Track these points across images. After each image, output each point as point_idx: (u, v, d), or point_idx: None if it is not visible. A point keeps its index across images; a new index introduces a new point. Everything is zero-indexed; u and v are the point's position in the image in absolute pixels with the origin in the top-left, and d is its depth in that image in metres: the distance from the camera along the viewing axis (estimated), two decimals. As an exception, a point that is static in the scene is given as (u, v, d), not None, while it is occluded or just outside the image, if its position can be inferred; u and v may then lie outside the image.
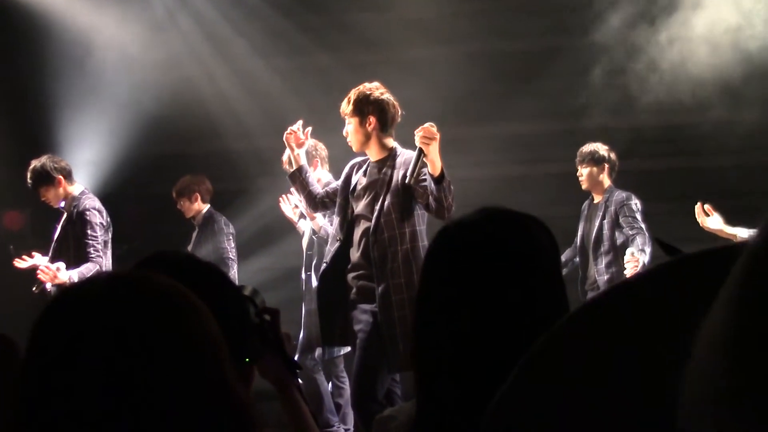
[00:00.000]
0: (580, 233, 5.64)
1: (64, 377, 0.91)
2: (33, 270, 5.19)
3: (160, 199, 6.75)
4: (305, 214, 5.31)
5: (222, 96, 7.30)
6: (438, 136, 3.76)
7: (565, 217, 5.58)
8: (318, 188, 4.42)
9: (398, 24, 7.01)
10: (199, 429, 0.93)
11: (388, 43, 6.99)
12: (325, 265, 4.19)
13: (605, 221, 5.46)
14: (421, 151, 3.77)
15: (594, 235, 5.49)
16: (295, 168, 4.40)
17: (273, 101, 7.15)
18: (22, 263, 5.21)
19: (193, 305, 0.98)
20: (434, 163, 3.77)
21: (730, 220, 4.79)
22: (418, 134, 3.77)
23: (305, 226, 5.49)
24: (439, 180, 3.78)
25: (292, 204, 5.47)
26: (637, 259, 5.06)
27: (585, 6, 6.69)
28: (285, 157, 4.43)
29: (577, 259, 5.67)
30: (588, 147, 5.58)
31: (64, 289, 0.99)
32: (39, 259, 5.18)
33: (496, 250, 1.30)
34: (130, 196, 7.18)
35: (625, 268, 5.12)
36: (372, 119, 4.07)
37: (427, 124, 3.81)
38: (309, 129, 4.45)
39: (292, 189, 4.74)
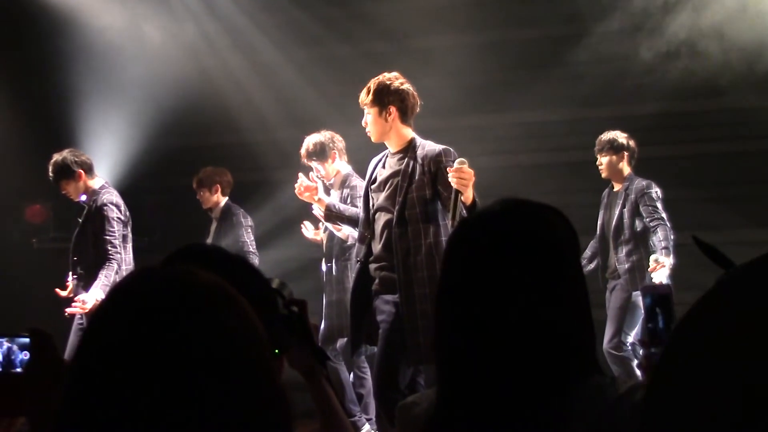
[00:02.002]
0: (600, 221, 5.62)
1: (117, 376, 0.93)
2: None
3: (180, 192, 6.79)
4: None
5: (240, 88, 7.33)
6: (473, 174, 3.70)
7: (583, 205, 5.56)
8: (353, 210, 4.44)
9: (415, 13, 6.99)
10: (247, 421, 0.95)
11: (405, 33, 6.98)
12: (359, 264, 4.18)
13: (625, 210, 5.43)
14: (458, 192, 3.71)
15: (614, 223, 5.47)
16: (324, 210, 4.43)
17: (291, 92, 7.17)
18: (62, 293, 5.25)
19: (238, 302, 1.00)
20: (469, 198, 3.73)
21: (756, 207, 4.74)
22: (453, 176, 3.70)
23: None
24: (472, 208, 3.75)
25: (311, 229, 5.50)
26: (663, 264, 5.04)
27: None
28: (297, 185, 4.49)
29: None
30: (607, 135, 5.55)
31: (114, 291, 1.01)
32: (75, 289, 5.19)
33: (516, 241, 1.31)
34: (150, 189, 7.23)
35: (649, 268, 5.12)
36: (392, 109, 4.05)
37: (458, 162, 3.72)
38: (312, 172, 4.55)
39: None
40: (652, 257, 5.15)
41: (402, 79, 4.11)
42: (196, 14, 7.35)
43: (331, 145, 5.35)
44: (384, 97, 4.05)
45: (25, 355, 1.31)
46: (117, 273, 5.14)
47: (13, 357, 1.29)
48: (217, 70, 7.35)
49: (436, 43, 6.92)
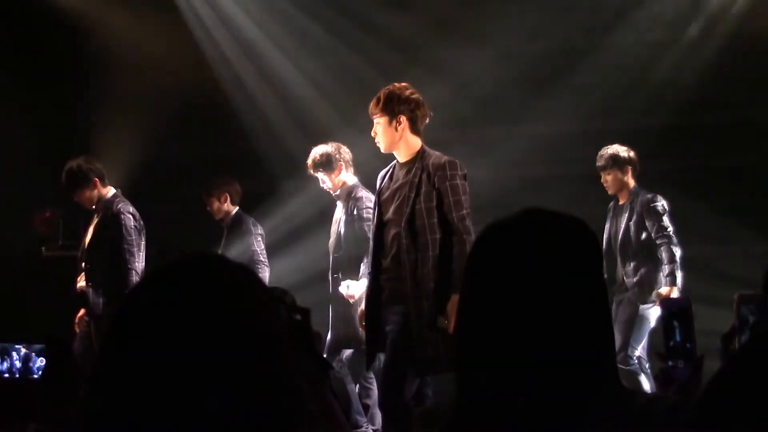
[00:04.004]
0: (606, 235, 5.58)
1: (145, 360, 0.95)
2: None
3: (189, 200, 6.80)
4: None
5: (250, 97, 7.34)
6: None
7: (593, 217, 5.53)
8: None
9: (425, 25, 7.01)
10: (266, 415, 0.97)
11: (415, 44, 6.99)
12: (370, 276, 4.15)
13: (632, 223, 5.40)
14: None
15: (621, 237, 5.44)
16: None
17: (301, 102, 7.18)
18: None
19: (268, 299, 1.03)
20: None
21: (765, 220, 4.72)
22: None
23: (332, 229, 5.51)
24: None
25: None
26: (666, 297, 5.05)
27: (610, 5, 6.67)
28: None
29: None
30: (607, 151, 5.49)
31: (150, 275, 1.04)
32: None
33: (538, 250, 1.31)
34: (159, 197, 7.23)
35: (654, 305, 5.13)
36: (402, 118, 4.03)
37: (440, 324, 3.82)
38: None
39: None
40: (654, 293, 5.15)
41: (412, 89, 4.11)
42: (206, 23, 7.38)
43: (337, 156, 5.35)
44: (394, 107, 4.04)
45: (41, 362, 1.31)
46: None
47: (31, 363, 1.30)
48: (227, 79, 7.37)
49: (446, 54, 6.93)
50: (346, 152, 5.41)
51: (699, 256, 5.60)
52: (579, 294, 1.29)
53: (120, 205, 5.28)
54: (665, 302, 1.55)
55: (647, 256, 5.35)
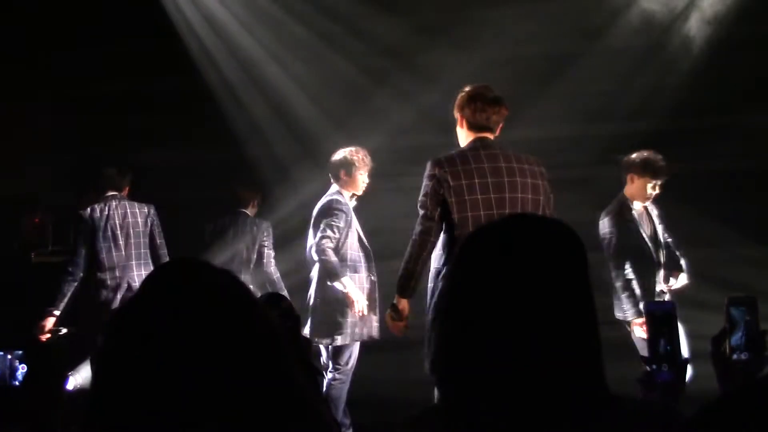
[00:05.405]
0: (644, 239, 5.28)
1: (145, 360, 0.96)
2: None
3: (180, 206, 6.79)
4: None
5: (240, 102, 7.34)
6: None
7: (581, 223, 5.50)
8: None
9: (414, 30, 7.01)
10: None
11: (404, 50, 7.00)
12: None
13: (660, 226, 5.32)
14: None
15: (652, 243, 5.27)
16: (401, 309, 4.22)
17: (291, 108, 7.18)
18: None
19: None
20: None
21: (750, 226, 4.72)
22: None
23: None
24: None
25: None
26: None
27: (602, 9, 6.69)
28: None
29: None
30: (659, 160, 5.25)
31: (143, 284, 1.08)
32: None
33: (524, 255, 1.30)
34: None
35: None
36: (458, 115, 4.09)
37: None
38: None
39: None
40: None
41: (471, 88, 4.11)
42: (195, 28, 7.37)
43: (364, 160, 5.29)
44: (456, 105, 4.10)
45: (23, 368, 1.31)
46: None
47: (14, 370, 1.30)
48: (216, 84, 7.37)
49: (435, 59, 6.93)
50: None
51: (687, 260, 5.61)
52: (565, 298, 1.29)
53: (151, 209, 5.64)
54: (652, 306, 1.55)
55: (676, 260, 5.30)
